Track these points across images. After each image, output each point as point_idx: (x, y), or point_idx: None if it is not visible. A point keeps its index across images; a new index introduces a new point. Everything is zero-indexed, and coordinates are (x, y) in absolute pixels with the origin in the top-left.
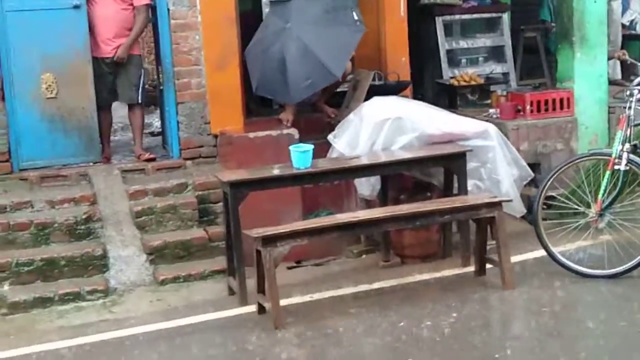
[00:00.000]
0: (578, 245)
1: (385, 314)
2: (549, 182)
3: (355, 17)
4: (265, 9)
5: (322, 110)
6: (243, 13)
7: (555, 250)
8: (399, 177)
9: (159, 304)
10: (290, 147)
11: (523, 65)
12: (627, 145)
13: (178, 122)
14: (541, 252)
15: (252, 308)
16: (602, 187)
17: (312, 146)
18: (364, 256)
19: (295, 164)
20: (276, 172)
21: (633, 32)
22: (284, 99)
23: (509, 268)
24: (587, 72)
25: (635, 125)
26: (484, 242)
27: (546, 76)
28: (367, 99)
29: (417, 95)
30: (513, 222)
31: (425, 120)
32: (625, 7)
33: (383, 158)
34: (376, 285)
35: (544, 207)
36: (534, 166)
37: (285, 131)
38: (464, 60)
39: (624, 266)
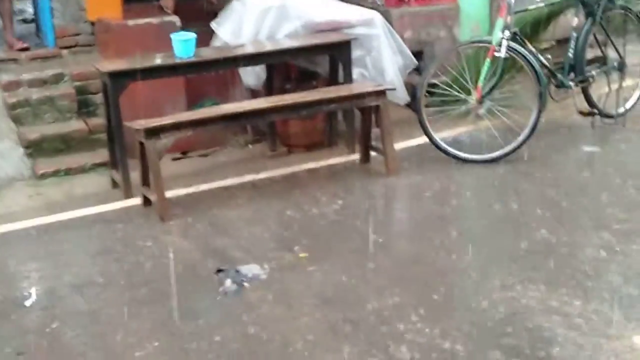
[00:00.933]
0: (459, 131)
1: (271, 203)
2: (432, 70)
3: None
4: None
5: None
6: None
7: (437, 136)
8: (285, 66)
9: (39, 198)
10: (172, 36)
11: None
12: (506, 33)
13: (52, 9)
14: (424, 139)
15: (137, 201)
16: (482, 75)
17: (194, 34)
18: (250, 146)
19: (177, 53)
20: (157, 61)
21: None
22: None
23: (392, 155)
24: None
25: (516, 13)
26: (368, 130)
27: None
28: None
29: None
30: (397, 110)
31: (310, 8)
32: None
33: (268, 47)
34: (263, 175)
35: (427, 94)
36: (417, 54)
37: (166, 18)
38: None
39: (502, 151)
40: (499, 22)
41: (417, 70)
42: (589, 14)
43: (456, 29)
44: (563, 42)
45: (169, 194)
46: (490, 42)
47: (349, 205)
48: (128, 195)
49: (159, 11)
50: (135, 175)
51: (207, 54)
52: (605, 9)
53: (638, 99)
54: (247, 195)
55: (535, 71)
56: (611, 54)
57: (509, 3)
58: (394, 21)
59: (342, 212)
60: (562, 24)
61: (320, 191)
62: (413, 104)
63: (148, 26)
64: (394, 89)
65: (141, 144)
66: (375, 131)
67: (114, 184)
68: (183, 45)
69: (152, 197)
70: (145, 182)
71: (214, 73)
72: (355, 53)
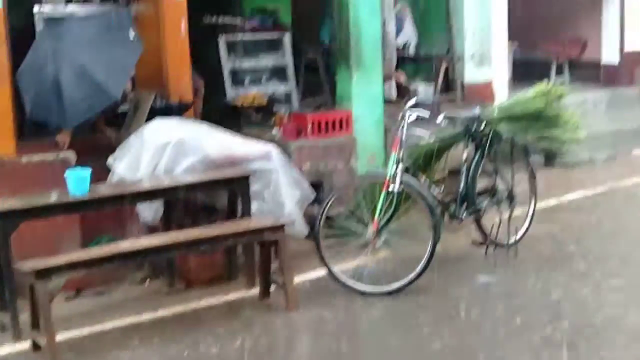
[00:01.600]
0: (357, 263)
1: (169, 343)
2: (330, 203)
3: (132, 36)
4: (41, 26)
5: (102, 132)
6: (16, 29)
7: (336, 269)
8: (183, 201)
9: None
10: (66, 172)
11: (305, 85)
12: (400, 167)
13: None
14: (324, 272)
15: (27, 345)
16: (379, 207)
17: (89, 171)
18: (148, 282)
19: (71, 190)
20: (51, 200)
21: (407, 53)
22: (61, 123)
23: (292, 290)
24: (364, 93)
25: (408, 147)
26: (267, 264)
27: (327, 96)
28: (148, 120)
29: (201, 116)
30: (297, 242)
31: (208, 143)
32: (399, 30)
33: (165, 182)
34: (160, 312)
35: (326, 226)
36: (316, 185)
37: (61, 155)
38: (247, 80)
39: (400, 283)
40: (393, 157)
41: (317, 201)
42: (478, 147)
43: (353, 161)
44: (456, 172)
45: (60, 336)
46: (385, 176)
47: (248, 344)
48: (17, 338)
49: (54, 147)
50: (25, 317)
51: (102, 190)
52: (492, 142)
53: (528, 227)
54: (143, 336)
55: (429, 204)
56: (500, 184)
57: (401, 138)
58: (292, 153)
59: (241, 351)
60: (454, 155)
61: (220, 329)
62: (312, 236)
63: (42, 163)
64: (292, 223)
65: (31, 285)
66: (275, 265)
67: (2, 327)
68: (77, 182)
69: (42, 342)
70: (35, 325)
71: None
72: (254, 187)
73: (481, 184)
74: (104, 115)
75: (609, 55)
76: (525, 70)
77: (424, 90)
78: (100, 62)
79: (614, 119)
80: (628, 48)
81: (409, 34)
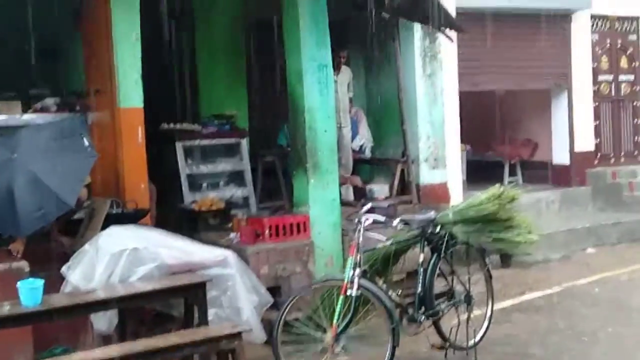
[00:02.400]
0: None
1: None
2: (288, 308)
3: (86, 144)
4: None
5: (57, 240)
6: None
7: None
8: (138, 309)
9: None
10: (18, 284)
11: (263, 188)
12: (357, 271)
13: None
14: None
15: None
16: (337, 312)
17: (42, 281)
18: None
19: (23, 301)
20: (2, 311)
21: (363, 156)
22: (14, 232)
23: None
24: (321, 196)
25: (365, 252)
26: None
27: (285, 199)
28: (104, 227)
29: (158, 222)
30: (255, 349)
31: (165, 250)
32: (355, 133)
33: (120, 291)
34: None
35: (284, 332)
36: (274, 289)
37: (14, 264)
38: (205, 185)
39: None
40: (350, 261)
41: (275, 306)
42: (434, 249)
43: (311, 264)
44: (414, 274)
45: None
46: (342, 280)
47: None
48: None
49: (7, 256)
50: None
51: (55, 301)
52: (448, 245)
53: (487, 329)
54: None
55: (387, 308)
56: (458, 286)
57: (358, 242)
58: (250, 258)
59: None
60: (412, 257)
61: None
62: (270, 342)
63: None
64: (250, 330)
65: None
66: None
67: None
68: (29, 293)
69: None
70: None
71: None
72: (210, 293)
73: (439, 286)
74: (58, 223)
75: (560, 156)
76: (479, 171)
77: (380, 192)
78: (54, 170)
79: (567, 218)
80: (578, 148)
81: (364, 137)
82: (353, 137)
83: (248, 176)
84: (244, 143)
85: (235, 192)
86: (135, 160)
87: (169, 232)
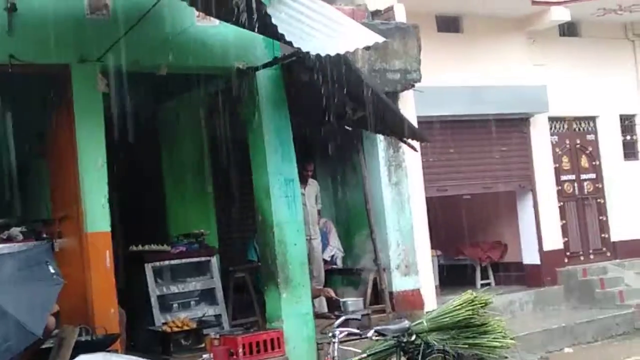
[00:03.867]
0: None
1: None
2: None
3: (52, 271)
4: None
5: None
6: None
7: None
8: None
9: None
10: None
11: (235, 305)
12: None
13: None
14: None
15: None
16: None
17: None
18: None
19: None
20: None
21: (334, 266)
22: None
23: None
24: (294, 311)
25: None
26: None
27: (257, 314)
28: (73, 356)
29: (129, 346)
30: None
31: None
32: (325, 244)
33: None
34: None
35: None
36: None
37: None
38: (175, 305)
39: None
40: None
41: None
42: (410, 359)
43: None
44: None
45: None
46: None
47: None
48: None
49: None
50: None
51: None
52: (424, 354)
53: None
54: None
55: None
56: None
57: (333, 357)
58: None
59: None
60: None
61: None
62: None
63: None
64: None
65: None
66: None
67: None
68: None
69: None
70: None
71: None
72: None
73: None
74: (26, 354)
75: (530, 256)
76: (451, 275)
77: (353, 303)
78: (19, 300)
79: (542, 318)
80: (547, 248)
81: (335, 248)
82: (323, 249)
83: (219, 294)
84: (214, 261)
85: (207, 311)
86: (103, 284)
87: (140, 356)
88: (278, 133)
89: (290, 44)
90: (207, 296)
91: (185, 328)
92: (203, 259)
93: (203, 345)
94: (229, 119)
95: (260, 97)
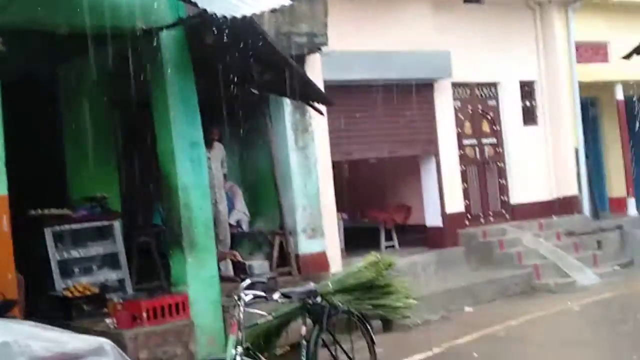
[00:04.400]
0: None
1: None
2: None
3: None
4: None
5: None
6: None
7: None
8: None
9: None
10: None
11: (139, 270)
12: (240, 349)
13: None
14: None
15: None
16: None
17: None
18: None
19: None
20: None
21: (240, 230)
22: None
23: None
24: (199, 275)
25: (247, 328)
26: None
27: (162, 279)
28: None
29: (28, 312)
30: None
31: (36, 342)
32: (230, 208)
33: None
34: None
35: None
36: None
37: None
38: (77, 270)
39: None
40: (231, 339)
41: None
42: (316, 321)
43: (192, 345)
44: (298, 346)
45: None
46: (224, 359)
47: None
48: None
49: None
50: None
51: None
52: (330, 315)
53: None
54: None
55: None
56: (341, 356)
57: (239, 320)
58: (128, 343)
59: None
60: (296, 329)
61: None
62: None
63: None
64: None
65: None
66: None
67: None
68: None
69: None
70: None
71: None
72: None
73: (323, 356)
74: None
75: (433, 218)
76: (357, 238)
77: (259, 266)
78: None
79: (444, 279)
80: (449, 210)
81: (240, 212)
82: (229, 212)
83: (122, 258)
84: (117, 225)
85: (109, 276)
86: (0, 249)
87: (40, 322)
88: (183, 95)
89: (195, 4)
90: (109, 261)
91: (87, 293)
92: (105, 223)
93: (106, 310)
94: (133, 80)
95: (164, 58)
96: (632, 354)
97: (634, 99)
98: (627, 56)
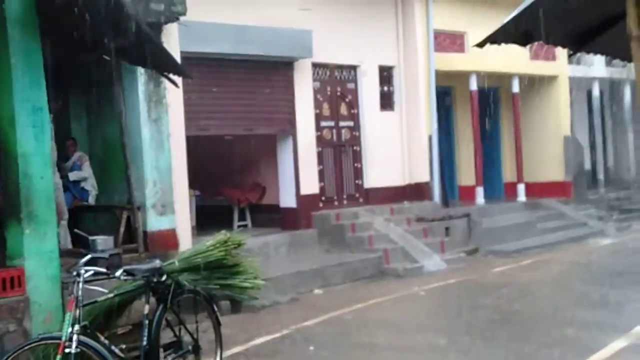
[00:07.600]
0: None
1: None
2: None
3: None
4: None
5: None
6: None
7: None
8: None
9: None
10: None
11: None
12: (76, 327)
13: None
14: None
15: None
16: None
17: None
18: None
19: None
20: None
21: (85, 203)
22: None
23: None
24: (38, 248)
25: (85, 305)
26: None
27: None
28: None
29: None
30: None
31: None
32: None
33: None
34: None
35: None
36: None
37: None
38: None
39: None
40: (68, 317)
41: None
42: (160, 300)
43: (27, 322)
44: (140, 326)
45: None
46: (60, 338)
47: None
48: None
49: None
50: None
51: None
52: (175, 294)
53: None
54: None
55: None
56: (186, 336)
57: (77, 297)
58: None
59: None
60: (139, 308)
61: None
62: None
63: None
64: None
65: None
66: None
67: None
68: None
69: None
70: None
71: None
72: None
73: (166, 337)
74: None
75: (287, 199)
76: (209, 216)
77: (103, 242)
78: None
79: (295, 261)
80: (303, 192)
81: (88, 184)
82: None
83: None
84: None
85: None
86: None
87: None
88: (26, 56)
89: None
90: None
91: None
92: None
93: None
94: None
95: (7, 16)
96: (465, 337)
97: (486, 89)
98: (480, 44)
